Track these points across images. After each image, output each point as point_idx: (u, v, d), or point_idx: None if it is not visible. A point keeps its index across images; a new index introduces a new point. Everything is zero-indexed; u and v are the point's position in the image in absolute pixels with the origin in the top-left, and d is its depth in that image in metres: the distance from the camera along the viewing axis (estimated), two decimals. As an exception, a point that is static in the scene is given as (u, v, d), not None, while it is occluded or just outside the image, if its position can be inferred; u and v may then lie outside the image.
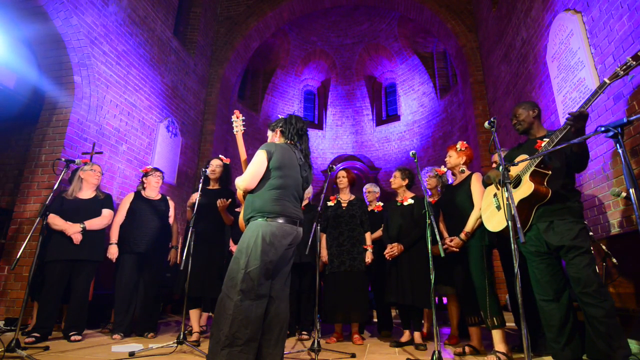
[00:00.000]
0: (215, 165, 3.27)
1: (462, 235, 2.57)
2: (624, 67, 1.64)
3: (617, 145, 1.35)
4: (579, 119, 1.82)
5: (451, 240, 2.65)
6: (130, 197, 3.49)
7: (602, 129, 1.39)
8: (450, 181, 3.21)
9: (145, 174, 3.55)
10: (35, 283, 3.12)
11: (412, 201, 3.12)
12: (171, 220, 3.59)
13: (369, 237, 3.29)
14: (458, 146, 2.84)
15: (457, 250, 2.61)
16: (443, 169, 3.50)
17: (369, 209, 3.68)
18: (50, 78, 4.03)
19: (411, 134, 9.47)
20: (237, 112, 2.34)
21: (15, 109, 4.66)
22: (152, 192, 3.54)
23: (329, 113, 10.58)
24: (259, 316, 1.74)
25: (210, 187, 3.28)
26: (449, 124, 8.43)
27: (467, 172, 2.83)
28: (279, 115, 2.20)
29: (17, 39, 4.04)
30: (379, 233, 3.53)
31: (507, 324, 2.48)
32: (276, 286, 1.89)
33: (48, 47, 3.98)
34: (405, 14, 7.78)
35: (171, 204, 3.62)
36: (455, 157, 2.84)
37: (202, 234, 3.00)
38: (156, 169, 3.59)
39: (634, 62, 1.60)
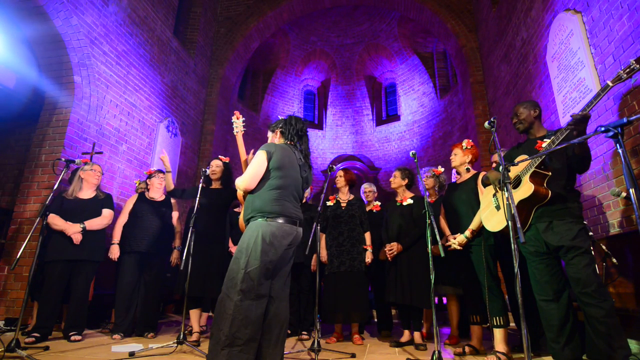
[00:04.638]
0: (214, 166, 3.28)
1: (467, 233, 2.56)
2: (627, 70, 1.63)
3: (617, 145, 1.35)
4: (581, 122, 1.82)
5: (454, 238, 2.65)
6: (133, 198, 3.52)
7: (602, 129, 1.39)
8: (453, 180, 3.20)
9: (149, 176, 3.58)
10: (35, 283, 3.12)
11: (411, 201, 3.12)
12: (174, 220, 3.59)
13: (368, 237, 3.29)
14: (464, 144, 2.83)
15: (461, 248, 2.61)
16: (440, 169, 3.50)
17: (368, 208, 3.68)
18: (50, 78, 4.03)
19: (411, 134, 9.47)
20: (237, 113, 2.35)
21: (15, 109, 4.66)
22: (156, 193, 3.56)
23: (329, 113, 10.58)
24: (259, 316, 1.74)
25: (212, 187, 3.29)
26: (449, 124, 8.43)
27: (473, 171, 2.83)
28: (279, 116, 2.20)
29: (17, 39, 4.04)
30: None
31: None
32: (276, 286, 1.89)
33: (48, 47, 3.98)
34: (405, 14, 7.78)
35: (174, 204, 3.63)
36: (460, 156, 2.83)
37: (203, 234, 3.00)
38: (159, 171, 3.61)
39: (637, 65, 1.59)
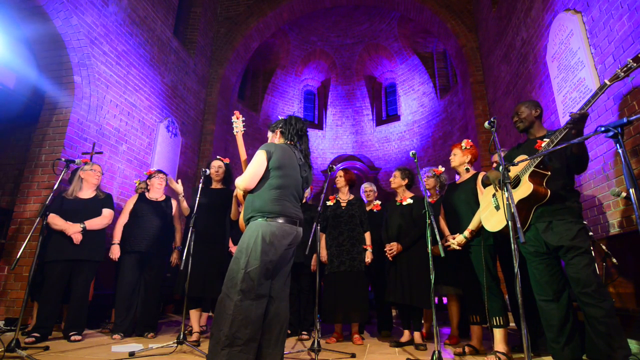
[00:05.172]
0: (217, 167, 3.29)
1: (467, 233, 2.57)
2: (625, 68, 1.64)
3: (617, 145, 1.35)
4: (580, 121, 1.82)
5: (454, 238, 2.65)
6: (134, 198, 3.53)
7: (602, 129, 1.39)
8: (456, 180, 3.21)
9: (149, 177, 3.58)
10: (35, 283, 3.12)
11: (411, 201, 3.12)
12: (175, 220, 3.59)
13: (368, 237, 3.29)
14: (463, 144, 2.83)
15: (460, 248, 2.61)
16: (441, 169, 3.50)
17: (368, 208, 3.68)
18: (50, 78, 4.03)
19: (411, 134, 9.48)
20: (237, 112, 2.35)
21: (15, 109, 4.66)
22: (156, 193, 3.56)
23: (329, 113, 10.58)
24: (259, 316, 1.74)
25: (212, 187, 3.29)
26: (449, 124, 8.43)
27: (473, 171, 2.83)
28: (279, 116, 2.21)
29: (17, 39, 4.04)
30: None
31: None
32: (276, 286, 1.89)
33: (48, 47, 3.98)
34: (405, 14, 7.78)
35: (174, 204, 3.62)
36: (460, 156, 2.83)
37: (203, 234, 3.00)
38: (159, 171, 3.61)
39: (635, 64, 1.60)
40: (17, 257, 2.32)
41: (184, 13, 6.75)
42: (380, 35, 9.70)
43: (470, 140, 2.86)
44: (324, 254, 3.29)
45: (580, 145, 1.92)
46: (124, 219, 3.41)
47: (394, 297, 2.95)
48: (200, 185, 2.91)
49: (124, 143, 4.76)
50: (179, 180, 3.39)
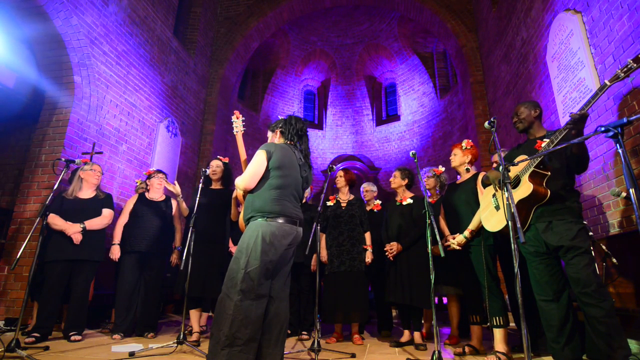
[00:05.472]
0: (215, 166, 3.28)
1: (467, 233, 2.57)
2: (625, 69, 1.64)
3: (617, 145, 1.35)
4: (579, 121, 1.82)
5: (454, 238, 2.65)
6: (133, 198, 3.53)
7: (602, 129, 1.39)
8: (457, 179, 3.21)
9: (149, 177, 3.58)
10: (35, 283, 3.12)
11: (411, 201, 3.12)
12: (175, 220, 3.59)
13: (368, 237, 3.28)
14: (463, 144, 2.83)
15: (460, 248, 2.61)
16: (441, 168, 3.50)
17: (368, 208, 3.68)
18: (50, 78, 4.03)
19: (411, 134, 9.47)
20: (237, 112, 2.35)
21: (15, 108, 4.66)
22: (156, 193, 3.56)
23: (329, 113, 10.58)
24: (259, 316, 1.74)
25: (212, 187, 3.29)
26: (449, 124, 8.43)
27: (473, 171, 2.83)
28: (279, 116, 2.21)
29: (17, 39, 4.04)
30: None
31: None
32: (276, 286, 1.89)
33: (48, 47, 3.98)
34: (405, 14, 7.78)
35: (174, 204, 3.62)
36: (460, 156, 2.83)
37: (203, 234, 3.00)
38: (159, 171, 3.61)
39: (635, 65, 1.60)
40: (17, 257, 2.32)
41: (184, 13, 6.75)
42: (380, 35, 9.70)
43: (470, 141, 2.86)
44: (324, 254, 3.29)
45: (581, 146, 1.92)
46: (124, 219, 3.41)
47: (394, 297, 2.95)
48: (200, 185, 2.91)
49: (124, 143, 4.76)
50: (176, 182, 3.39)
